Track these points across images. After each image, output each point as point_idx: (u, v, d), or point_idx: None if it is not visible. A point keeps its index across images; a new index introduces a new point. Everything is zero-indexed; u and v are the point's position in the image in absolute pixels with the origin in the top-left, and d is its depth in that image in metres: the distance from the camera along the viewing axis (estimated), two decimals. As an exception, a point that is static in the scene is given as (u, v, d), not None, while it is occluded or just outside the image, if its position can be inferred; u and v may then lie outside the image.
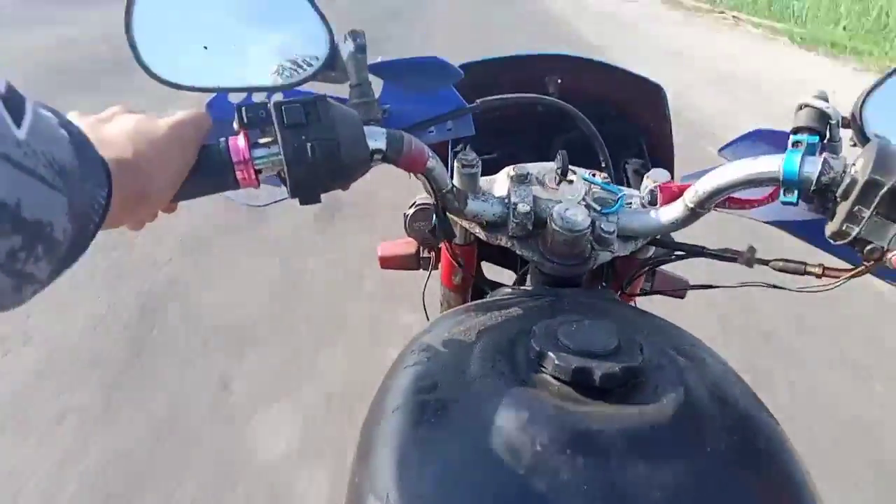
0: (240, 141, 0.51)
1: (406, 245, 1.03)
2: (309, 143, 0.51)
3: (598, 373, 0.49)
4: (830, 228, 0.56)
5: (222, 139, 0.52)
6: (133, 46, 0.56)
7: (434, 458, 0.47)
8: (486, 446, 0.46)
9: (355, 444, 0.54)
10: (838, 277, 0.61)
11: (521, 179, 0.70)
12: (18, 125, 0.31)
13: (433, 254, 0.99)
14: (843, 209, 0.54)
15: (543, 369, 0.51)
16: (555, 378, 0.51)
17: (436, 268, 0.98)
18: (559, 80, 0.91)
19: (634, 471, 0.44)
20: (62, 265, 0.37)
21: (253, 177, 0.52)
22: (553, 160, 0.73)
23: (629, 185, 0.87)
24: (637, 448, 0.45)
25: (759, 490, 0.47)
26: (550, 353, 0.51)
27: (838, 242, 0.56)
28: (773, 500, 0.47)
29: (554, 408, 0.47)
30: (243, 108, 0.51)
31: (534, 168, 0.73)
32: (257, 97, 0.60)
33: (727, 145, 0.74)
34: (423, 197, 0.75)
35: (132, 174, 0.45)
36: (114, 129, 0.47)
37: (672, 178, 0.77)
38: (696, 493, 0.44)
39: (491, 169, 0.76)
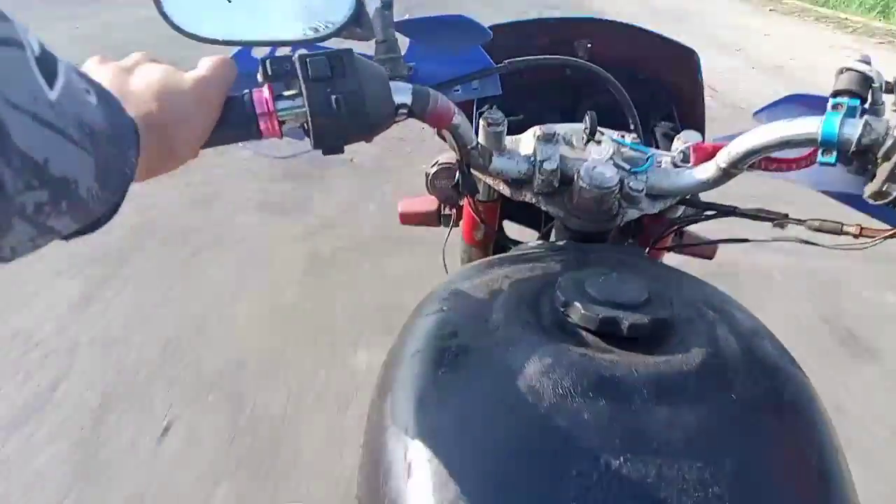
0: (264, 92, 0.51)
1: (427, 202, 1.02)
2: (334, 95, 0.50)
3: (627, 322, 0.48)
4: (870, 189, 0.54)
5: (246, 91, 0.51)
6: None
7: (453, 397, 0.47)
8: (506, 388, 0.46)
9: (375, 385, 0.54)
10: (875, 237, 0.60)
11: (547, 139, 0.70)
12: (51, 86, 0.31)
13: (454, 211, 0.99)
14: (884, 170, 0.53)
15: (570, 319, 0.51)
16: (581, 328, 0.50)
17: (456, 225, 0.98)
18: (589, 45, 0.90)
19: (658, 415, 0.44)
20: (88, 221, 0.37)
21: (277, 128, 0.52)
22: (581, 123, 0.72)
23: (659, 148, 0.85)
24: (662, 394, 0.45)
25: (781, 440, 0.47)
26: (577, 303, 0.50)
27: (878, 202, 0.54)
28: (795, 451, 0.46)
29: (578, 354, 0.47)
30: (268, 61, 0.51)
31: (561, 129, 0.72)
32: (282, 51, 0.60)
33: (762, 109, 0.72)
34: (446, 156, 0.74)
35: (159, 133, 0.44)
36: (140, 84, 0.46)
37: (703, 141, 0.75)
38: (719, 439, 0.44)
39: (517, 131, 0.75)
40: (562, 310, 0.52)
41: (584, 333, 0.50)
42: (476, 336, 0.52)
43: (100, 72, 0.47)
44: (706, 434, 0.43)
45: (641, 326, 0.48)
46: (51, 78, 0.31)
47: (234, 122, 0.51)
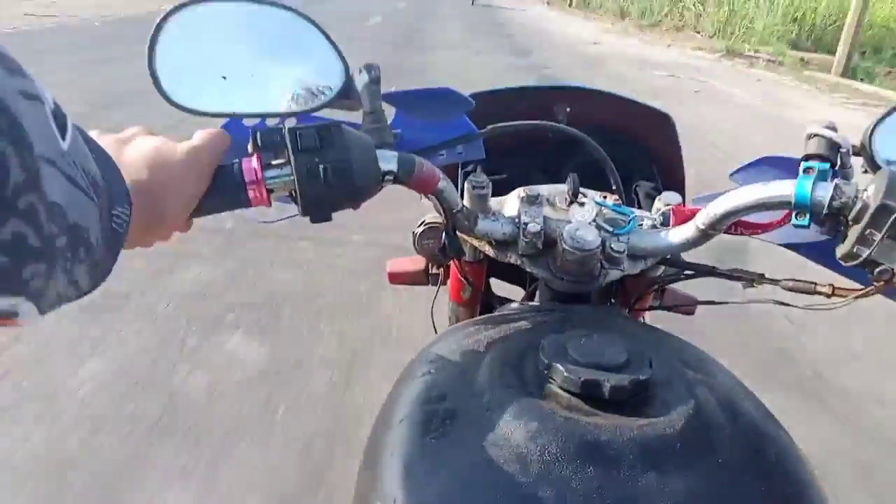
0: (253, 162, 0.53)
1: (415, 262, 1.04)
2: (322, 165, 0.52)
3: (608, 385, 0.49)
4: (842, 250, 0.56)
5: (236, 161, 0.54)
6: (154, 77, 0.58)
7: (441, 467, 0.47)
8: (494, 455, 0.46)
9: (362, 452, 0.54)
10: (846, 297, 0.62)
11: (531, 200, 0.72)
12: (63, 138, 0.33)
13: (442, 270, 1.00)
14: (854, 232, 0.55)
15: (552, 381, 0.52)
16: (564, 390, 0.51)
17: (444, 283, 0.99)
18: (568, 109, 0.93)
19: (644, 481, 0.44)
20: (97, 276, 0.39)
21: (265, 196, 0.54)
22: (564, 183, 0.74)
23: (640, 208, 0.87)
24: (647, 459, 0.45)
25: (770, 501, 0.47)
26: (559, 366, 0.51)
27: (849, 264, 0.56)
28: None
29: (563, 418, 0.48)
30: (258, 133, 0.53)
31: (544, 190, 0.74)
32: (272, 121, 0.63)
33: (737, 170, 0.75)
34: (432, 216, 0.76)
35: (149, 199, 0.46)
36: (133, 154, 0.48)
37: (683, 202, 0.78)
38: (706, 502, 0.44)
39: (501, 190, 0.77)
40: (545, 372, 0.53)
41: (567, 396, 0.51)
42: (463, 400, 0.52)
43: (99, 142, 0.49)
44: (694, 500, 0.44)
45: (622, 388, 0.49)
46: (62, 130, 0.33)
47: (223, 190, 0.53)
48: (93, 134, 0.49)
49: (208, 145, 0.53)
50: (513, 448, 0.46)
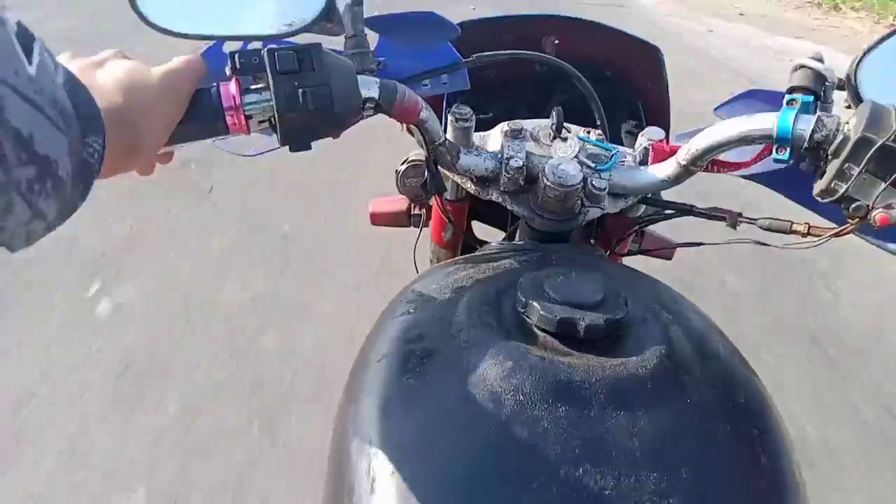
0: (231, 87, 0.52)
1: (397, 202, 1.03)
2: (301, 89, 0.51)
3: (583, 324, 0.49)
4: (819, 186, 0.56)
5: (213, 85, 0.52)
6: None
7: (417, 405, 0.48)
8: (468, 394, 0.46)
9: (343, 391, 0.55)
10: (822, 235, 0.62)
11: (514, 134, 0.71)
12: (30, 62, 0.31)
13: (424, 211, 1.00)
14: (833, 166, 0.54)
15: (529, 320, 0.52)
16: (540, 329, 0.51)
17: (426, 225, 0.99)
18: (556, 41, 0.91)
19: (614, 420, 0.45)
20: (66, 207, 0.38)
21: (243, 123, 0.52)
22: (548, 118, 0.74)
23: (623, 145, 0.87)
24: (618, 398, 0.46)
25: (734, 442, 0.48)
26: (535, 304, 0.51)
27: (826, 200, 0.56)
28: (749, 453, 0.48)
29: (537, 358, 0.48)
30: (236, 55, 0.51)
31: (528, 124, 0.73)
32: (253, 46, 0.61)
33: (722, 105, 0.74)
34: (416, 154, 0.76)
35: (123, 126, 0.45)
36: (107, 77, 0.47)
37: (667, 137, 0.77)
38: (674, 442, 0.45)
39: (486, 127, 0.76)
40: (522, 311, 0.53)
41: (542, 335, 0.51)
42: (440, 339, 0.52)
43: (70, 65, 0.48)
44: (661, 440, 0.45)
45: (597, 328, 0.50)
46: (28, 54, 0.32)
47: (200, 116, 0.52)
48: (63, 57, 0.48)
49: (185, 69, 0.51)
50: (487, 388, 0.47)
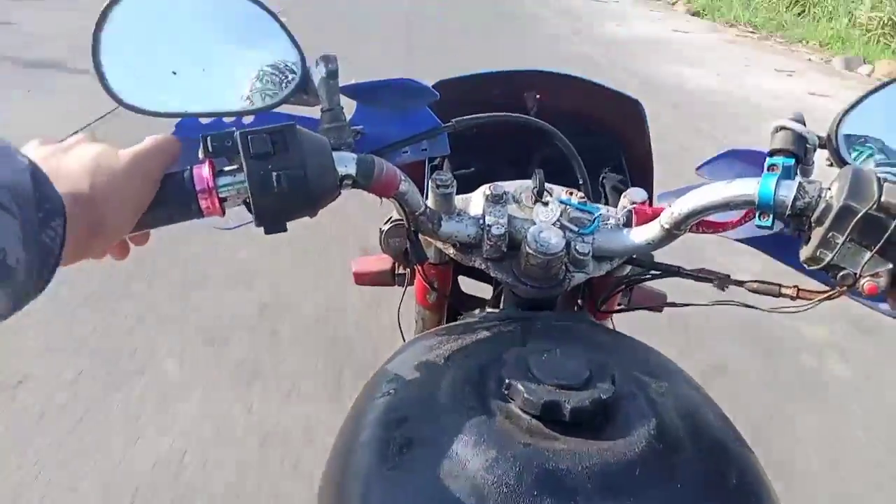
0: (204, 170, 0.51)
1: (381, 261, 1.02)
2: (275, 172, 0.50)
3: (568, 406, 0.48)
4: (805, 254, 0.56)
5: (186, 168, 0.51)
6: (100, 72, 0.55)
7: (397, 498, 0.47)
8: (450, 486, 0.45)
9: (322, 474, 0.54)
10: (812, 299, 0.61)
11: (496, 199, 0.70)
12: None
13: (408, 270, 0.98)
14: (817, 235, 0.54)
15: (513, 402, 0.51)
16: (524, 412, 0.50)
17: (411, 284, 0.97)
18: (538, 95, 0.91)
19: None
20: (20, 297, 0.37)
21: (217, 205, 0.51)
22: (531, 176, 0.73)
23: (607, 201, 0.86)
24: (606, 485, 0.45)
25: None
26: (520, 385, 0.50)
27: (812, 267, 0.55)
28: None
29: (521, 444, 0.47)
30: (208, 137, 0.50)
31: (510, 186, 0.73)
32: (229, 121, 0.60)
33: (704, 164, 0.74)
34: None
35: (86, 208, 0.44)
36: (72, 161, 0.46)
37: (651, 194, 0.77)
38: None
39: (468, 184, 0.75)
40: (505, 392, 0.51)
41: (527, 418, 0.50)
42: (421, 424, 0.51)
43: (38, 152, 0.47)
44: None
45: (583, 410, 0.48)
46: None
47: (172, 200, 0.50)
48: (33, 143, 0.47)
49: (155, 151, 0.50)
50: (469, 478, 0.45)
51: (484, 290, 0.97)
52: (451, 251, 0.72)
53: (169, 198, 0.50)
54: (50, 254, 0.38)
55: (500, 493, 0.44)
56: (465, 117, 0.72)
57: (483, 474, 0.45)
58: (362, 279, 1.04)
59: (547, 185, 0.72)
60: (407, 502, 0.46)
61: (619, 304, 0.92)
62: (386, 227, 0.79)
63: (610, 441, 0.48)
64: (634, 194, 0.71)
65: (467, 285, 1.00)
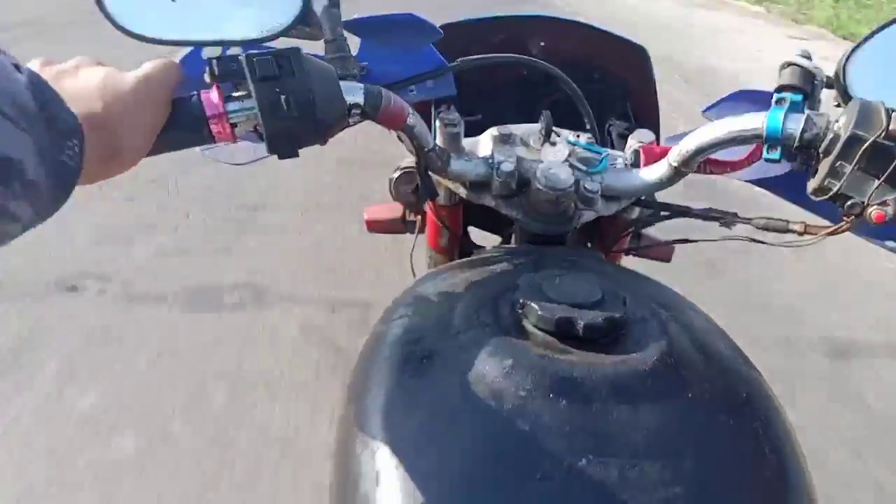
0: (213, 94, 0.50)
1: (392, 209, 1.02)
2: (283, 95, 0.49)
3: (582, 322, 0.49)
4: (812, 184, 0.56)
5: (195, 93, 0.50)
6: None
7: (419, 404, 0.48)
8: (469, 392, 0.46)
9: (344, 395, 0.54)
10: (817, 234, 0.61)
11: (504, 139, 0.70)
12: None
13: (419, 217, 0.98)
14: (825, 165, 0.54)
15: (527, 320, 0.52)
16: (538, 328, 0.51)
17: (422, 231, 0.97)
18: (542, 42, 0.90)
19: (616, 415, 0.44)
20: (43, 209, 0.37)
21: (229, 131, 0.50)
22: (538, 122, 0.72)
23: (614, 147, 0.86)
24: (619, 394, 0.46)
25: (739, 436, 0.47)
26: (534, 304, 0.51)
27: (820, 198, 0.55)
28: (754, 447, 0.47)
29: (537, 356, 0.48)
30: (214, 61, 0.49)
31: (518, 129, 0.72)
32: (231, 52, 0.59)
33: (710, 106, 0.74)
34: (407, 161, 0.74)
35: (102, 132, 0.43)
36: (80, 83, 0.45)
37: (657, 139, 0.76)
38: (676, 437, 0.45)
39: (475, 131, 0.75)
40: (520, 311, 0.52)
41: (542, 334, 0.51)
42: (440, 341, 0.52)
43: (42, 73, 0.46)
44: (664, 435, 0.44)
45: (596, 326, 0.49)
46: None
47: (184, 124, 0.50)
48: (34, 63, 0.46)
49: (159, 75, 0.49)
50: (487, 386, 0.46)
51: (493, 243, 0.97)
52: (461, 190, 0.71)
53: (180, 122, 0.50)
54: (69, 171, 0.38)
55: (517, 397, 0.45)
56: (470, 57, 0.71)
57: (500, 380, 0.46)
58: (374, 227, 1.05)
59: (554, 127, 0.71)
60: (428, 408, 0.47)
61: (626, 249, 0.91)
62: (395, 175, 0.79)
63: (622, 355, 0.49)
64: (642, 135, 0.71)
65: (476, 237, 1.00)
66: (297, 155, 0.53)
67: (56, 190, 0.37)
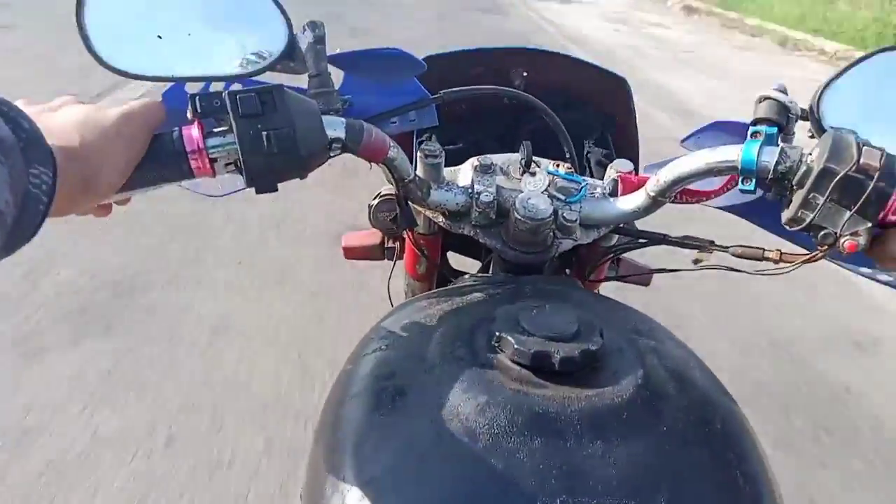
0: (194, 130, 0.50)
1: (370, 235, 1.02)
2: (265, 132, 0.50)
3: (558, 356, 0.49)
4: (786, 215, 0.57)
5: (175, 129, 0.51)
6: (84, 35, 0.54)
7: (390, 442, 0.47)
8: (442, 430, 0.46)
9: (315, 430, 0.54)
10: (793, 262, 0.63)
11: (485, 170, 0.71)
12: None
13: (398, 244, 0.99)
14: (798, 196, 0.55)
15: (503, 353, 0.52)
16: (514, 362, 0.51)
17: (400, 258, 0.98)
18: (524, 73, 0.92)
19: (591, 451, 0.44)
20: (9, 241, 0.37)
21: (208, 166, 0.51)
22: (518, 151, 0.73)
23: (593, 175, 0.87)
24: (594, 429, 0.46)
25: (715, 470, 0.47)
26: (510, 337, 0.51)
27: (794, 228, 0.57)
28: (729, 481, 0.47)
29: (512, 391, 0.48)
30: (197, 97, 0.50)
31: (498, 159, 0.73)
32: (215, 87, 0.60)
33: (688, 136, 0.75)
34: (388, 188, 0.75)
35: (77, 163, 0.44)
36: (60, 119, 0.46)
37: (636, 168, 0.77)
38: (651, 471, 0.45)
39: (456, 159, 0.76)
40: (496, 344, 0.52)
41: (517, 368, 0.50)
42: (413, 375, 0.52)
43: (25, 110, 0.47)
44: (639, 469, 0.44)
45: (572, 360, 0.49)
46: None
47: (163, 159, 0.50)
48: (18, 103, 0.47)
49: (142, 111, 0.50)
50: (461, 422, 0.46)
51: (472, 267, 0.98)
52: (440, 219, 0.72)
53: (159, 157, 0.50)
54: (37, 201, 0.38)
55: (491, 435, 0.45)
56: (453, 89, 0.72)
57: (475, 417, 0.46)
58: (352, 253, 1.04)
59: (534, 157, 0.72)
60: (401, 446, 0.47)
61: (606, 276, 0.92)
62: (375, 202, 0.79)
63: (598, 389, 0.49)
64: (620, 164, 0.72)
65: (455, 262, 1.00)
66: (276, 189, 0.54)
67: (24, 221, 0.37)
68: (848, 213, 0.53)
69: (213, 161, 0.51)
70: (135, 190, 0.52)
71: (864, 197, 0.52)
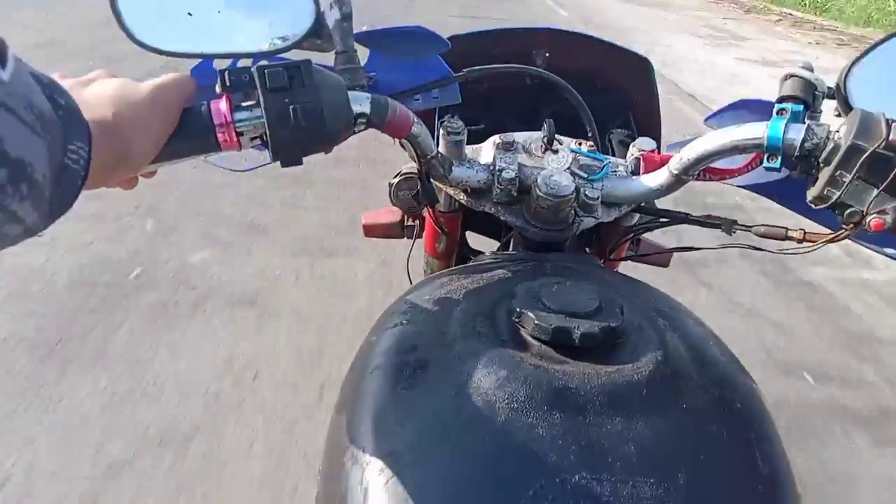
0: (222, 104, 0.51)
1: (390, 213, 1.03)
2: (292, 106, 0.51)
3: (578, 332, 0.49)
4: (812, 193, 0.57)
5: (204, 102, 0.52)
6: (116, 13, 0.55)
7: (411, 415, 0.48)
8: (462, 404, 0.46)
9: (335, 403, 0.54)
10: (817, 241, 0.62)
11: (506, 147, 0.71)
12: (3, 67, 0.32)
13: (417, 222, 1.00)
14: (825, 174, 0.55)
15: (524, 329, 0.52)
16: (535, 338, 0.51)
17: (420, 236, 0.98)
18: (547, 54, 0.92)
19: (610, 426, 0.45)
20: (46, 213, 0.38)
21: (234, 139, 0.52)
22: (540, 130, 0.74)
23: (615, 155, 0.87)
24: (614, 404, 0.46)
25: (731, 448, 0.48)
26: (531, 313, 0.51)
27: (819, 206, 0.56)
28: (745, 458, 0.47)
29: (532, 366, 0.48)
30: (226, 72, 0.51)
31: (520, 137, 0.73)
32: (242, 63, 0.60)
33: (712, 115, 0.75)
34: (409, 166, 0.75)
35: (113, 137, 0.45)
36: (94, 92, 0.47)
37: (658, 147, 0.77)
38: (670, 448, 0.45)
39: (478, 139, 0.76)
40: (516, 320, 0.53)
41: (538, 344, 0.51)
42: (434, 350, 0.52)
43: (60, 83, 0.48)
44: (658, 445, 0.44)
45: (592, 336, 0.49)
46: (2, 61, 0.32)
47: (191, 133, 0.51)
48: (53, 76, 0.48)
49: (173, 86, 0.51)
50: (481, 397, 0.46)
51: (490, 248, 0.98)
52: (461, 197, 0.73)
53: (188, 130, 0.51)
54: (73, 175, 0.39)
55: (510, 409, 0.45)
56: (476, 67, 0.72)
57: (494, 392, 0.46)
58: (372, 231, 1.05)
59: (556, 135, 0.73)
60: (421, 420, 0.47)
61: (626, 255, 0.92)
62: (395, 181, 0.80)
63: (618, 365, 0.49)
64: (643, 143, 0.72)
65: (474, 241, 1.01)
66: (300, 163, 0.55)
67: (60, 194, 0.38)
68: (875, 191, 0.53)
69: (239, 134, 0.52)
70: (162, 162, 0.53)
71: (892, 174, 0.51)
